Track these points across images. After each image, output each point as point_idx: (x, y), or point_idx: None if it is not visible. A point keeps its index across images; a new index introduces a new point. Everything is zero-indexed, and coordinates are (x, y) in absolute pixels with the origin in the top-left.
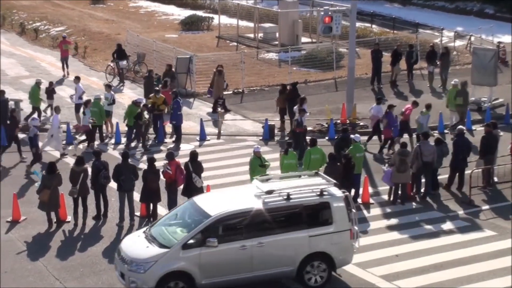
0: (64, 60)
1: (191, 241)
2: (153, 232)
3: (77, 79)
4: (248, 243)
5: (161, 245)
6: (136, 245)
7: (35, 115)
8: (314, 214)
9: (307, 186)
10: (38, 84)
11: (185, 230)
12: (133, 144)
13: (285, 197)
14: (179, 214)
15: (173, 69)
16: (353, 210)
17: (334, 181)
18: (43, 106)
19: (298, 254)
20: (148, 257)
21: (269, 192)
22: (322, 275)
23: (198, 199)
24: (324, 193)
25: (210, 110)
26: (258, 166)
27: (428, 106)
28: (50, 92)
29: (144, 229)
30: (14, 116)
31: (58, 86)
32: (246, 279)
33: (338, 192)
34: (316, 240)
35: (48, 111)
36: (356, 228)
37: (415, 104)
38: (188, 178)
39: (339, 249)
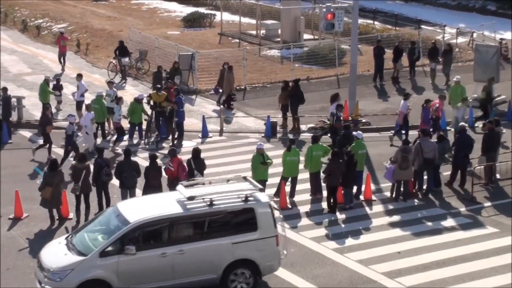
0: (62, 55)
1: (109, 248)
2: (73, 239)
3: (80, 76)
4: (168, 251)
5: (79, 253)
6: (55, 252)
7: (73, 113)
8: (238, 220)
9: (232, 192)
10: (46, 81)
11: (106, 237)
12: (135, 141)
13: (208, 203)
14: (103, 220)
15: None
16: (280, 216)
17: (261, 187)
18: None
19: (221, 261)
20: (65, 265)
21: (191, 198)
22: (247, 282)
23: (121, 205)
24: (249, 198)
25: (213, 107)
26: (260, 164)
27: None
28: (58, 88)
29: (67, 235)
30: (46, 114)
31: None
32: (167, 287)
33: (264, 198)
34: (240, 247)
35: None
36: (284, 233)
37: (442, 98)
38: (190, 175)
39: (265, 256)
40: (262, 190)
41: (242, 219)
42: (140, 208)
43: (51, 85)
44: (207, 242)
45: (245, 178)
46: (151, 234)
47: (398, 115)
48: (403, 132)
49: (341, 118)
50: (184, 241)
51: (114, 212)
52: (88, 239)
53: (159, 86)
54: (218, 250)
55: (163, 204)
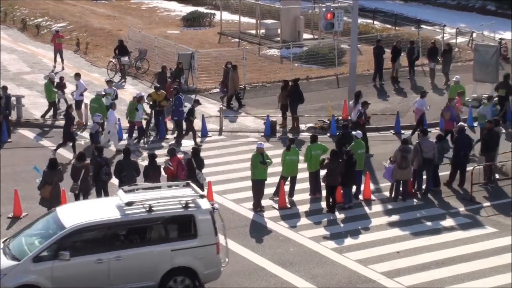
0: (57, 53)
1: (44, 253)
2: (10, 243)
3: (78, 75)
4: (104, 257)
5: (14, 257)
6: None
7: (98, 115)
8: (178, 227)
9: (173, 198)
10: (51, 79)
11: (42, 241)
12: (135, 141)
13: (147, 209)
14: (42, 224)
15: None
16: (222, 223)
17: (203, 193)
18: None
19: (159, 268)
20: None
21: (129, 203)
22: None
23: (60, 210)
24: (190, 205)
25: (213, 106)
26: (259, 163)
27: (490, 98)
28: (62, 87)
29: (5, 239)
30: (69, 112)
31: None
32: None
33: (205, 204)
34: (179, 254)
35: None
36: (225, 241)
37: (462, 94)
38: (189, 174)
39: (204, 264)
40: (203, 196)
41: (181, 226)
42: (78, 212)
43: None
44: (145, 249)
45: (188, 184)
46: (87, 239)
47: (414, 113)
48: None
49: (367, 114)
50: (122, 247)
51: (53, 216)
52: (24, 243)
53: (158, 85)
54: (156, 257)
55: (102, 209)
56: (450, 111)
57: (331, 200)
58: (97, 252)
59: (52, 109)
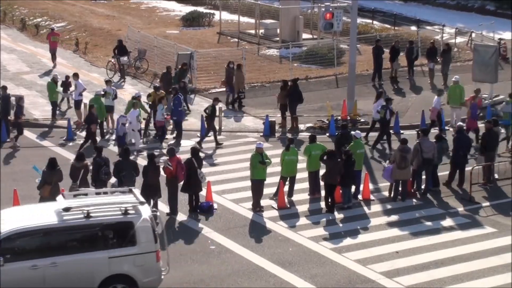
0: (52, 51)
1: None
2: None
3: (76, 76)
4: (40, 263)
5: None
6: None
7: (124, 114)
8: (116, 234)
9: (112, 204)
10: (54, 79)
11: None
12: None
13: (85, 214)
14: None
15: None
16: (162, 231)
17: (143, 200)
18: (59, 98)
19: (97, 276)
20: None
21: (67, 209)
22: None
23: (3, 213)
24: (129, 212)
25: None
26: (258, 163)
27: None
28: (66, 85)
29: None
30: (92, 112)
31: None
32: None
33: (145, 211)
34: (117, 262)
35: (64, 105)
36: (166, 249)
37: (478, 91)
38: (189, 175)
39: (144, 272)
40: (143, 203)
41: (120, 233)
42: (16, 217)
43: (60, 81)
44: (82, 255)
45: (130, 190)
46: (22, 245)
47: (430, 111)
48: (436, 128)
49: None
50: (58, 253)
51: None
52: None
53: (157, 85)
54: (94, 264)
55: (39, 214)
56: (472, 110)
57: (329, 200)
58: (32, 258)
59: (52, 110)
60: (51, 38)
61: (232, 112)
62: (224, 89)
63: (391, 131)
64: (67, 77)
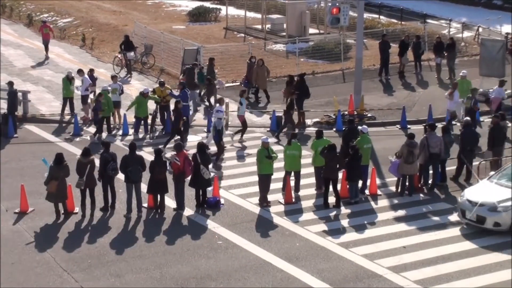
0: (45, 43)
1: None
2: None
3: (81, 71)
4: None
5: None
6: None
7: (219, 107)
8: None
9: None
10: (68, 76)
11: None
12: (140, 136)
13: None
14: None
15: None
16: None
17: None
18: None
19: None
20: None
21: None
22: None
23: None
24: None
25: None
26: (264, 157)
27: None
28: (92, 78)
29: None
30: (178, 108)
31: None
32: None
33: None
34: None
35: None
36: None
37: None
38: (196, 170)
39: None
40: None
41: None
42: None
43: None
44: None
45: None
46: None
47: (492, 102)
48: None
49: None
50: None
51: None
52: None
53: (162, 80)
54: None
55: None
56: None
57: (328, 194)
58: None
59: (62, 105)
60: (44, 30)
61: (255, 106)
62: (238, 83)
63: (397, 126)
64: (91, 70)
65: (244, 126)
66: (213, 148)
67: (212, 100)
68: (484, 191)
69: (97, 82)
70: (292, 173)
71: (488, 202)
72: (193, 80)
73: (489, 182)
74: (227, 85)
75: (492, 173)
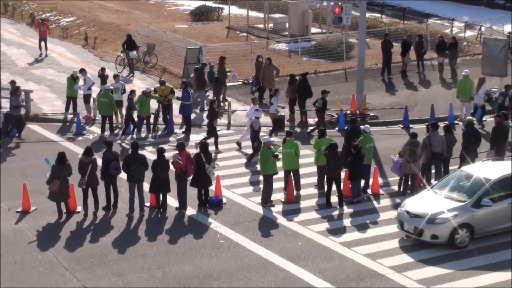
0: (42, 40)
1: None
2: None
3: (84, 71)
4: None
5: None
6: None
7: (255, 107)
8: None
9: None
10: (73, 75)
11: None
12: (143, 135)
13: None
14: None
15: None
16: None
17: None
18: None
19: None
20: None
21: None
22: None
23: None
24: None
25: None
26: (270, 157)
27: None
28: (103, 77)
29: None
30: (213, 107)
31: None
32: None
33: None
34: None
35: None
36: None
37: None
38: (198, 169)
39: None
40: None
41: None
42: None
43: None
44: None
45: None
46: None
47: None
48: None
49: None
50: None
51: None
52: None
53: (163, 80)
54: None
55: None
56: None
57: (332, 194)
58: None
59: (66, 104)
60: (41, 28)
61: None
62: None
63: (400, 125)
64: (103, 69)
65: (274, 125)
66: (244, 145)
67: (220, 98)
68: (424, 202)
69: (99, 81)
70: (290, 172)
71: (425, 214)
72: (202, 79)
73: (430, 192)
74: (229, 84)
75: (434, 182)
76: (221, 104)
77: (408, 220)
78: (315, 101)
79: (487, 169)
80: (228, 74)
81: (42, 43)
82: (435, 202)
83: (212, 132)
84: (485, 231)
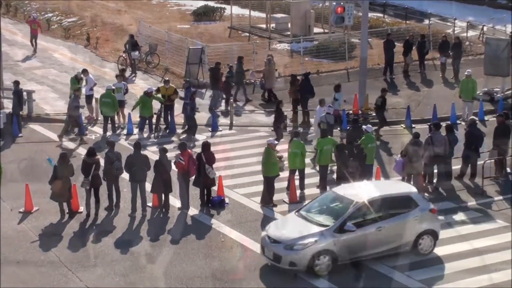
0: (33, 37)
1: None
2: None
3: (86, 71)
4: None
5: None
6: None
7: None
8: None
9: None
10: (77, 76)
11: None
12: (145, 135)
13: None
14: None
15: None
16: None
17: None
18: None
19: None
20: None
21: None
22: None
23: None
24: None
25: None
26: (276, 158)
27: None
28: (122, 76)
29: None
30: (280, 108)
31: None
32: None
33: None
34: None
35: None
36: None
37: None
38: (201, 169)
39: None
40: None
41: None
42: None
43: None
44: None
45: None
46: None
47: None
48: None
49: None
50: None
51: None
52: None
53: (167, 79)
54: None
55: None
56: None
57: None
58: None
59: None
60: (32, 26)
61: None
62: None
63: (402, 125)
64: (123, 70)
65: (341, 121)
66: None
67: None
68: (286, 226)
69: (101, 81)
70: (297, 172)
71: (285, 239)
72: (217, 79)
73: (296, 215)
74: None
75: (305, 203)
76: (237, 103)
77: (268, 245)
78: (377, 99)
79: (357, 190)
80: (246, 73)
81: (34, 41)
82: (297, 226)
83: (276, 131)
84: (350, 257)
